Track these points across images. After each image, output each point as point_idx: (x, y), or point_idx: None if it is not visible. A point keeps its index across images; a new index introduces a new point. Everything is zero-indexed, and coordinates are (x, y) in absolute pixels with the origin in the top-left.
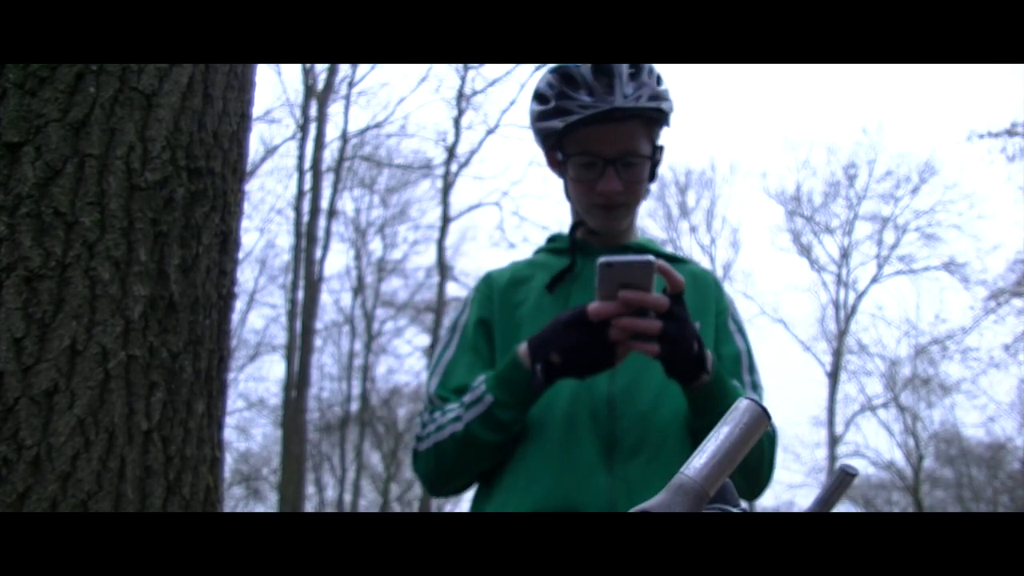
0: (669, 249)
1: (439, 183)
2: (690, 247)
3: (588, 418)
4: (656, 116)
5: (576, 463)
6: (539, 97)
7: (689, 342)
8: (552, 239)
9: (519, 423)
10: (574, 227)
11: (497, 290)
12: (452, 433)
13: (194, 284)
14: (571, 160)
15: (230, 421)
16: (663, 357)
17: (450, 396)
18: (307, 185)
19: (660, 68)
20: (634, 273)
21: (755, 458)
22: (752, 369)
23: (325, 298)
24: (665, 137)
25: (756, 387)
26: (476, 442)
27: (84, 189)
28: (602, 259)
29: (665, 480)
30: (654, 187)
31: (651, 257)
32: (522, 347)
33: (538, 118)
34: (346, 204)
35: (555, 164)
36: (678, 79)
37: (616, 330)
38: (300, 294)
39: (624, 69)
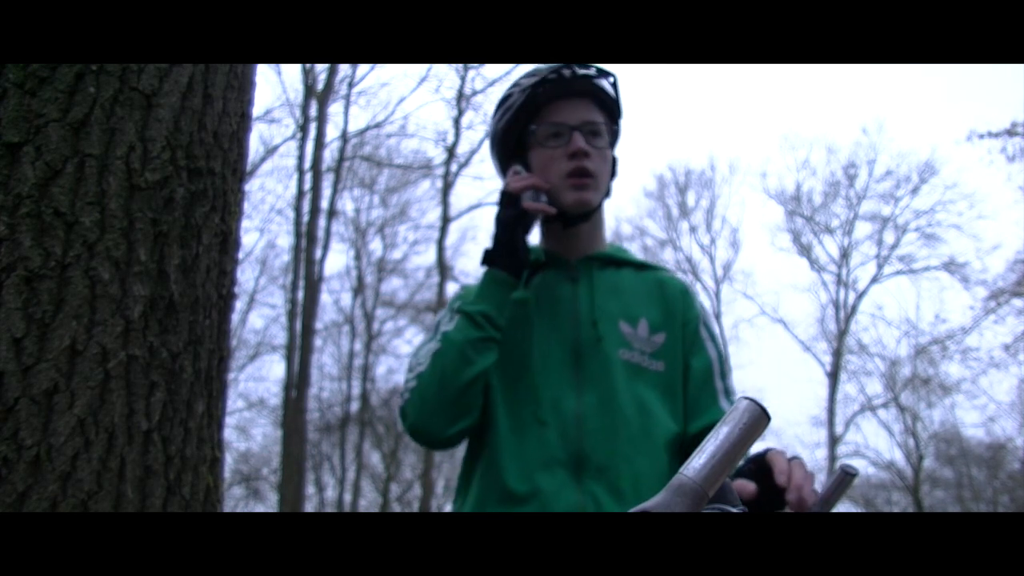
0: (642, 255)
1: (439, 183)
2: (690, 247)
3: (557, 436)
4: (607, 99)
5: (547, 480)
6: (500, 103)
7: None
8: None
9: (492, 324)
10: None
11: None
12: (432, 354)
13: (194, 284)
14: (537, 136)
15: (230, 421)
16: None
17: None
18: (307, 185)
19: (662, 67)
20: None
21: None
22: (724, 374)
23: (325, 298)
24: (665, 137)
25: (728, 392)
26: (453, 346)
27: (84, 189)
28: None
29: (639, 491)
30: (615, 187)
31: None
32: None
33: (499, 116)
34: (346, 204)
35: (511, 160)
36: (678, 79)
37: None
38: (300, 294)
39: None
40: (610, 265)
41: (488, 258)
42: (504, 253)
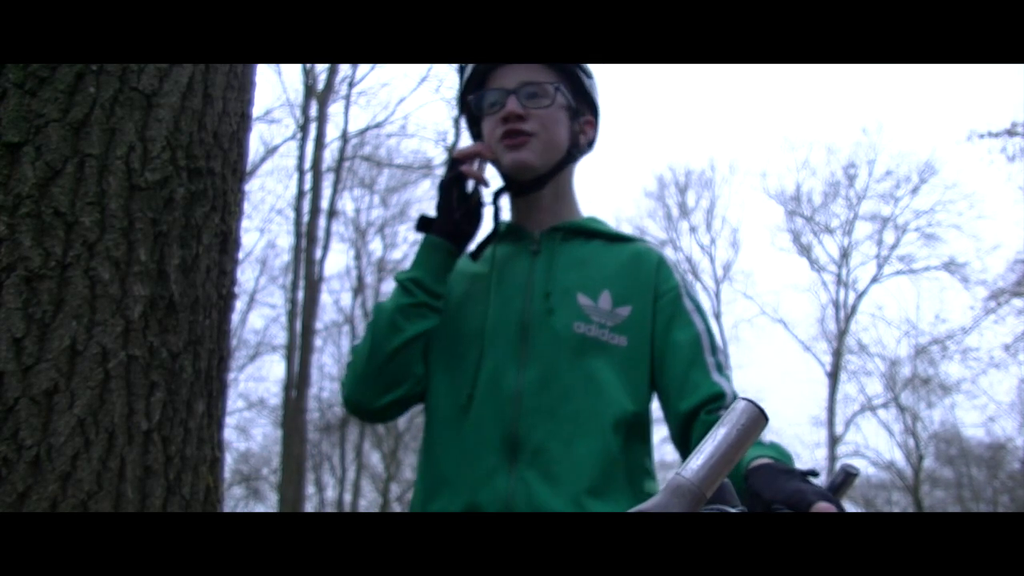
0: (620, 228)
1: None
2: (690, 247)
3: (492, 417)
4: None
5: (477, 465)
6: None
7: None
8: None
9: (424, 289)
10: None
11: None
12: (367, 325)
13: (194, 284)
14: (480, 106)
15: (230, 421)
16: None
17: None
18: (307, 185)
19: (663, 67)
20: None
21: None
22: (715, 350)
23: (325, 298)
24: (665, 138)
25: (720, 368)
26: (384, 314)
27: (84, 189)
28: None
29: (577, 476)
30: (595, 151)
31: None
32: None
33: (460, 95)
34: (346, 204)
35: (477, 133)
36: (679, 79)
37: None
38: (300, 294)
39: None
40: (578, 236)
41: (423, 224)
42: (439, 218)
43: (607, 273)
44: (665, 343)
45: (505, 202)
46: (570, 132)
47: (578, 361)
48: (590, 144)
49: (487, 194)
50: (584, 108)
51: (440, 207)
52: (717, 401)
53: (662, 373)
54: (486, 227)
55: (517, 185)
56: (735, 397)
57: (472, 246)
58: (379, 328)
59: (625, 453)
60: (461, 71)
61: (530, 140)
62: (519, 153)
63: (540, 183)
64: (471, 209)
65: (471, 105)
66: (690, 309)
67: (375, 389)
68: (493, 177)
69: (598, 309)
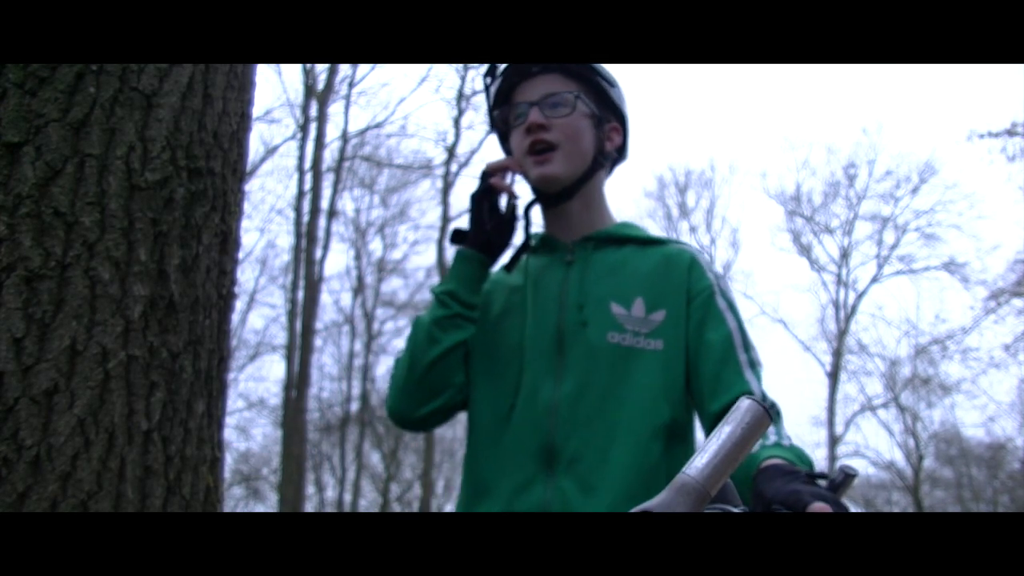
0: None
1: (439, 183)
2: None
3: (530, 428)
4: (577, 69)
5: (516, 474)
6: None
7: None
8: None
9: (458, 301)
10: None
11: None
12: (407, 339)
13: (194, 284)
14: (507, 120)
15: (230, 421)
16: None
17: None
18: (307, 185)
19: (663, 67)
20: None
21: None
22: (747, 346)
23: (325, 298)
24: (665, 138)
25: (754, 364)
26: (421, 327)
27: (84, 189)
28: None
29: (613, 484)
30: (625, 170)
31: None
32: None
33: (488, 111)
34: (346, 204)
35: (507, 147)
36: (679, 79)
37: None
38: (300, 294)
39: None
40: (610, 244)
41: (457, 237)
42: (471, 231)
43: (639, 279)
44: (698, 344)
45: (537, 213)
46: (595, 139)
47: (613, 371)
48: (620, 151)
49: (519, 206)
50: (609, 115)
51: (472, 220)
52: None
53: (696, 375)
54: (518, 238)
55: (546, 197)
56: (763, 396)
57: (506, 257)
58: (417, 341)
59: (667, 458)
60: (487, 88)
61: (555, 153)
62: (545, 167)
63: (568, 194)
64: (503, 221)
65: (498, 120)
66: (723, 308)
67: (416, 399)
68: (523, 189)
69: (631, 317)
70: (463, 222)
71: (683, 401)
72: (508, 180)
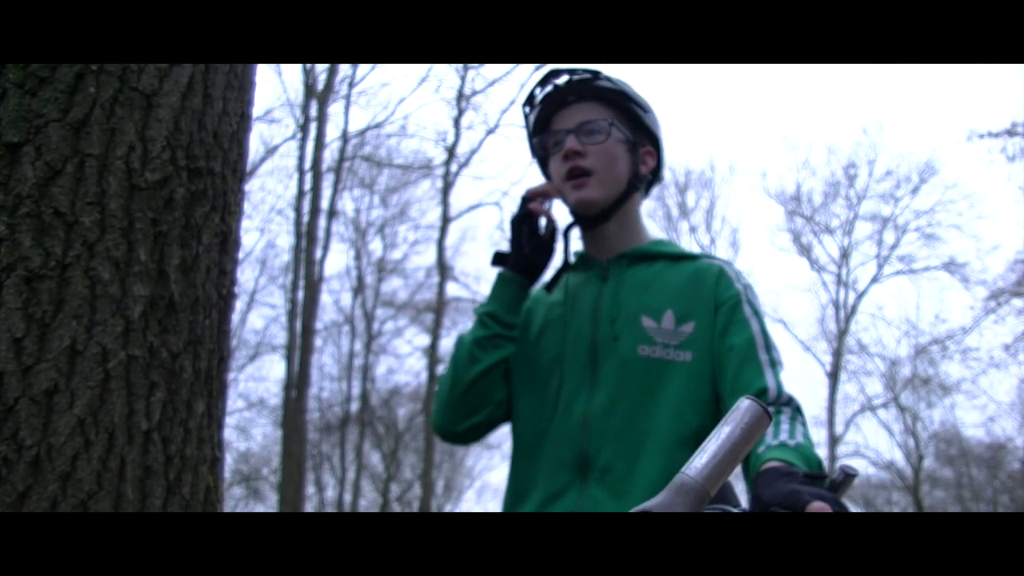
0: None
1: (439, 183)
2: (690, 247)
3: (566, 440)
4: (612, 96)
5: (552, 482)
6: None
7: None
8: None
9: (498, 321)
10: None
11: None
12: (450, 358)
13: (194, 284)
14: (546, 147)
15: (230, 421)
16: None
17: None
18: (307, 185)
19: (663, 67)
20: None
21: None
22: (769, 347)
23: (325, 298)
24: (665, 138)
25: (774, 364)
26: (463, 347)
27: (84, 189)
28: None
29: (643, 492)
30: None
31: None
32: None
33: (528, 138)
34: (346, 204)
35: (544, 168)
36: (679, 79)
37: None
38: (300, 294)
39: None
40: (644, 260)
41: (497, 259)
42: (511, 254)
43: (669, 293)
44: (722, 348)
45: (576, 235)
46: (630, 164)
47: (644, 383)
48: (654, 174)
49: (558, 229)
50: (643, 140)
51: (512, 243)
52: (762, 396)
53: (720, 379)
54: (558, 260)
55: (584, 219)
56: (779, 392)
57: (546, 277)
58: (459, 360)
59: None
60: (526, 117)
61: (591, 178)
62: (581, 192)
63: (605, 216)
64: (541, 244)
65: (537, 147)
66: (748, 314)
67: (459, 415)
68: (562, 212)
69: (661, 330)
70: (463, 222)
71: (711, 409)
72: (547, 205)
